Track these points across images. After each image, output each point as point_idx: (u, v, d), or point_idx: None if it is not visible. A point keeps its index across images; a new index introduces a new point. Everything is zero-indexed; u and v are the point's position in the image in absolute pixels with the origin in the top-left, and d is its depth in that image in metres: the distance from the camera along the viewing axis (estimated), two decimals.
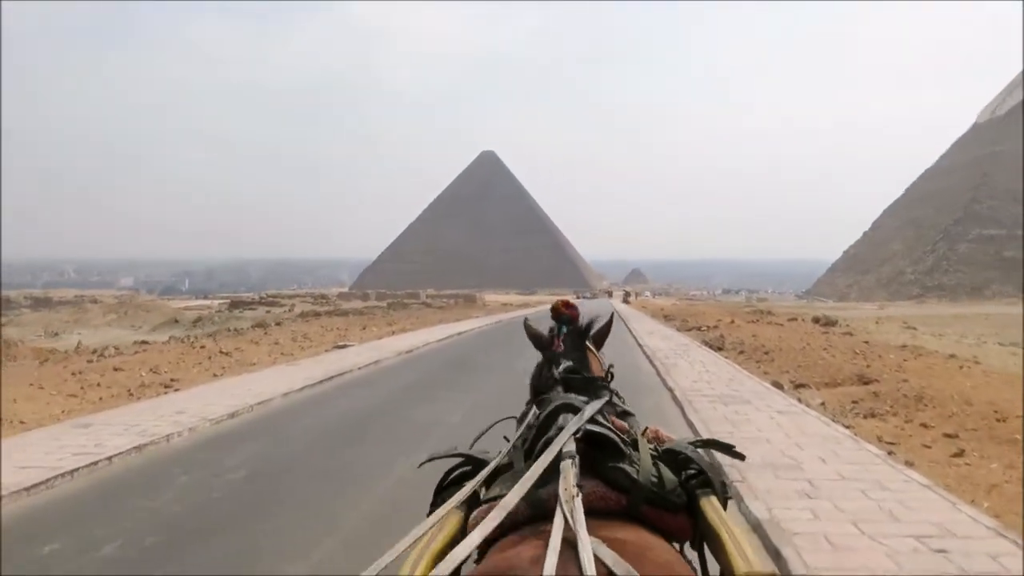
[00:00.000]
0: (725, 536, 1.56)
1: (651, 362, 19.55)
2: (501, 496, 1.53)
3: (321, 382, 15.91)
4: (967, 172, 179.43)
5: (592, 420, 1.76)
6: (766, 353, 21.20)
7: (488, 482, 1.78)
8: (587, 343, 2.43)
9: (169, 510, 7.21)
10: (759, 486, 7.36)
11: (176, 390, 15.29)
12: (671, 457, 1.81)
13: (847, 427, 10.49)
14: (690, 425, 10.72)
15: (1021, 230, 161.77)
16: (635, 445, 1.78)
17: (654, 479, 1.65)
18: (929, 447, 9.28)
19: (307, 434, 10.89)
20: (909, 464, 8.24)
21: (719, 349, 23.77)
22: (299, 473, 8.63)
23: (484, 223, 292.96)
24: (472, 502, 1.72)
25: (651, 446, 1.85)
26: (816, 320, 34.18)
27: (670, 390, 14.30)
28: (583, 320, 2.46)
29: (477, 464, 1.89)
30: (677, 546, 1.66)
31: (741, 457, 2.08)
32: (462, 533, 1.59)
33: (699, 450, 1.89)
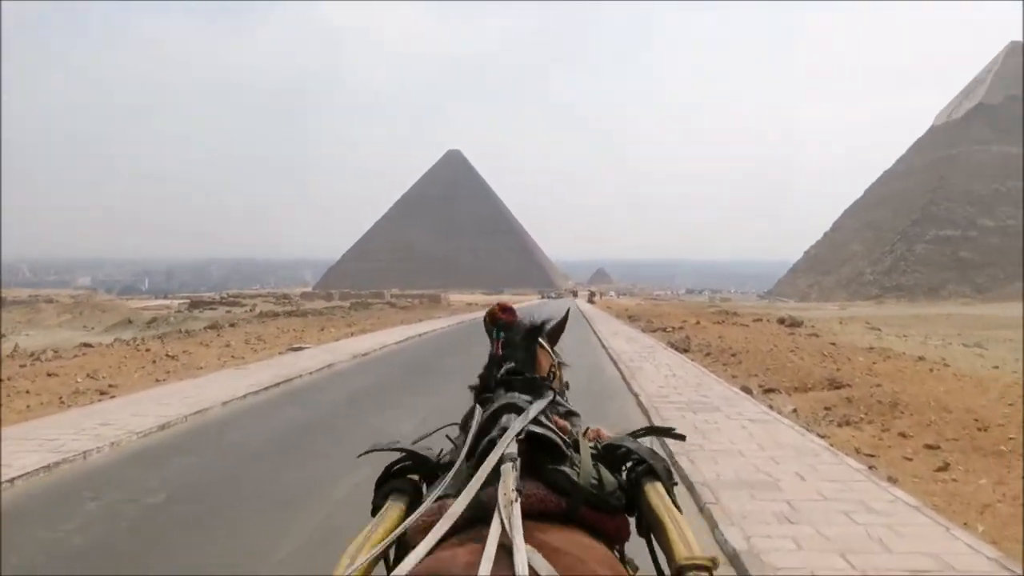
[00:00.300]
0: (668, 523, 1.58)
1: (616, 365, 18.92)
2: (444, 496, 1.55)
3: (267, 388, 14.95)
4: (924, 175, 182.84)
5: (535, 421, 1.76)
6: (733, 355, 20.72)
7: (430, 480, 1.79)
8: (540, 340, 2.43)
9: (68, 544, 6.30)
10: (734, 508, 6.68)
11: (112, 397, 14.26)
12: (611, 452, 1.83)
13: (822, 436, 9.92)
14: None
15: (976, 231, 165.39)
16: (576, 446, 1.78)
17: (594, 481, 1.66)
18: (910, 459, 8.72)
19: (243, 448, 9.99)
20: (893, 480, 7.65)
21: (685, 351, 23.26)
22: (227, 495, 7.75)
23: (450, 222, 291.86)
24: (412, 496, 1.74)
25: (592, 445, 1.85)
26: (781, 321, 33.96)
27: (635, 396, 13.65)
28: (537, 318, 2.47)
29: (417, 460, 1.87)
30: (617, 550, 1.69)
31: (682, 437, 2.11)
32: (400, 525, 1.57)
33: (640, 439, 1.90)
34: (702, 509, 6.86)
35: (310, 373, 17.44)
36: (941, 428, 10.02)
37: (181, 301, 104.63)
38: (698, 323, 34.99)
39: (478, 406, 2.04)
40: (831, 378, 14.81)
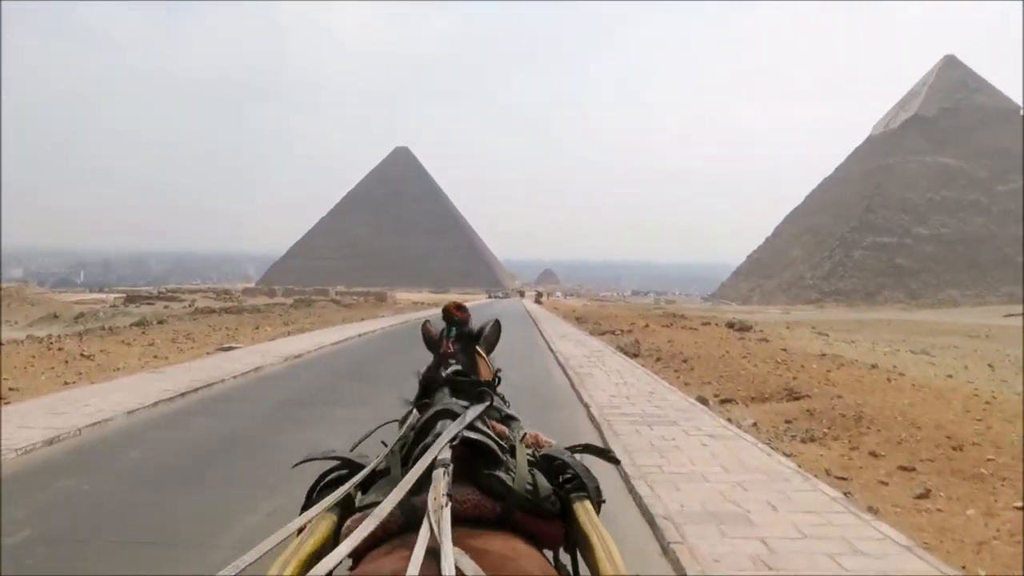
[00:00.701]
0: (595, 540, 1.58)
1: (564, 371, 18.01)
2: (376, 503, 1.51)
3: (183, 395, 13.55)
4: (862, 182, 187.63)
5: (471, 426, 1.75)
6: (684, 361, 20.02)
7: (365, 487, 1.75)
8: (477, 348, 2.42)
9: None
10: (703, 549, 5.76)
11: (8, 403, 12.72)
12: (548, 463, 1.83)
13: (788, 455, 9.12)
14: None
15: (911, 239, 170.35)
16: (513, 452, 1.78)
17: (529, 486, 1.66)
18: (886, 483, 7.95)
19: (140, 469, 8.70)
20: (874, 511, 6.84)
21: (635, 356, 22.52)
22: (107, 530, 6.51)
23: (397, 220, 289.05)
24: (346, 507, 1.69)
25: (529, 452, 1.86)
26: (730, 325, 33.60)
27: (586, 406, 12.73)
28: (475, 324, 2.46)
29: (353, 468, 1.82)
30: (551, 553, 1.70)
31: (616, 461, 2.09)
32: (334, 538, 1.57)
33: (576, 455, 1.90)
34: (666, 550, 5.92)
35: (234, 378, 16.06)
36: (913, 447, 9.31)
37: (117, 295, 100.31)
38: (647, 326, 34.41)
39: (415, 410, 2.04)
40: (788, 388, 14.14)
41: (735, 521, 6.44)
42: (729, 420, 11.49)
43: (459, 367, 2.19)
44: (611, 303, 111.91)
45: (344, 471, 1.84)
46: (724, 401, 13.60)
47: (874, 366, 18.72)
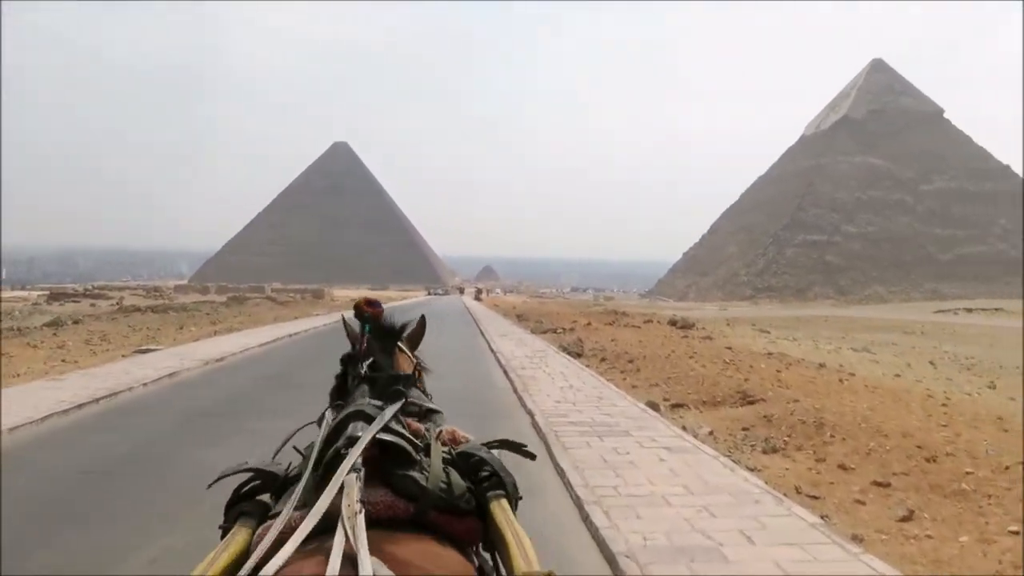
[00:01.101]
0: (510, 538, 1.62)
1: (506, 373, 17.07)
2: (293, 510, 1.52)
3: (80, 407, 12.07)
4: (795, 181, 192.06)
5: (385, 428, 1.75)
6: (630, 362, 19.31)
7: (279, 494, 1.73)
8: (399, 345, 2.42)
9: None
10: None
11: None
12: (464, 460, 1.84)
13: (752, 470, 8.36)
14: (560, 473, 8.19)
15: (840, 237, 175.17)
16: (428, 450, 1.79)
17: (443, 485, 1.67)
18: (863, 503, 7.23)
19: (15, 498, 7.38)
20: (858, 540, 6.07)
21: (578, 355, 21.73)
22: None
23: (336, 216, 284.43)
24: (262, 517, 1.68)
25: (445, 449, 1.87)
26: (673, 323, 33.20)
27: (530, 414, 11.81)
28: (396, 320, 2.43)
29: (266, 477, 1.81)
30: (472, 553, 1.73)
31: (532, 456, 2.07)
32: (249, 551, 1.54)
33: (493, 451, 1.92)
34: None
35: (144, 385, 14.57)
36: (883, 458, 8.66)
37: (40, 293, 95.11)
38: (589, 324, 33.75)
39: (329, 411, 2.09)
40: (741, 390, 13.49)
41: (707, 557, 5.58)
42: (684, 428, 10.71)
43: (375, 362, 2.20)
44: (551, 300, 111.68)
45: (258, 482, 1.81)
46: (675, 406, 12.86)
47: (822, 365, 18.32)
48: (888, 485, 7.68)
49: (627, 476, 7.90)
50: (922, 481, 7.75)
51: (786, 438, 9.99)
